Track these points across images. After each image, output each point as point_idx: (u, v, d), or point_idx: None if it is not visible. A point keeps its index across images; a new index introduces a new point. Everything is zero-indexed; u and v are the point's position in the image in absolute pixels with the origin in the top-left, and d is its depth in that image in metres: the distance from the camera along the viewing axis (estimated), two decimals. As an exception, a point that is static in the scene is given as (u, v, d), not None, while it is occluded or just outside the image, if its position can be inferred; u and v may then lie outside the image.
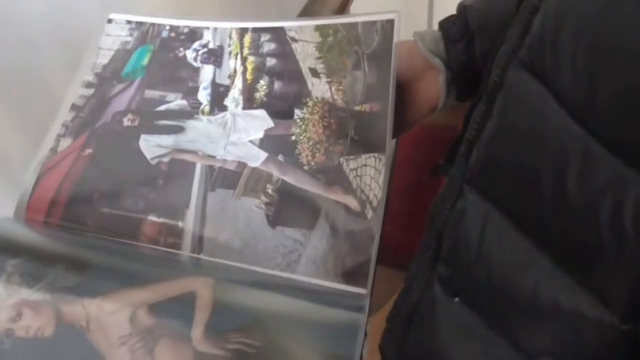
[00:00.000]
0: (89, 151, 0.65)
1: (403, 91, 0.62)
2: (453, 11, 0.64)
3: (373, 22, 0.64)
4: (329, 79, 0.64)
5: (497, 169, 0.47)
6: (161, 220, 0.60)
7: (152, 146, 0.64)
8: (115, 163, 0.64)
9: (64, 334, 0.49)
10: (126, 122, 0.67)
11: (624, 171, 0.38)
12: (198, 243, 0.59)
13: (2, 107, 0.79)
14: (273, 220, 0.59)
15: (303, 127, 0.62)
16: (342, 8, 1.22)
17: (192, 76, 0.69)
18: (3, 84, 0.80)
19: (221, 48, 0.70)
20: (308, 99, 0.64)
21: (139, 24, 0.74)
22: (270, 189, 0.60)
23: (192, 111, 0.66)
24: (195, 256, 0.58)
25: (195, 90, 0.68)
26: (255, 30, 0.70)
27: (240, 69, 0.69)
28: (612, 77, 0.38)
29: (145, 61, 0.71)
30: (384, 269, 0.64)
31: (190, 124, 0.65)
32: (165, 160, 0.63)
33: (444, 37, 0.62)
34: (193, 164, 0.63)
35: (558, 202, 0.42)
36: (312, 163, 0.60)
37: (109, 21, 0.74)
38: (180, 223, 0.60)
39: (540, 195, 0.43)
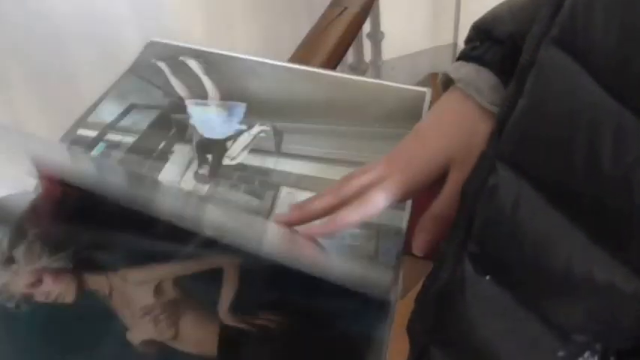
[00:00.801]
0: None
1: None
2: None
3: None
4: None
5: (529, 145, 0.46)
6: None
7: None
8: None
9: (86, 301, 0.48)
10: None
11: None
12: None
13: (32, 94, 0.80)
14: None
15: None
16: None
17: None
18: (34, 74, 0.80)
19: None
20: None
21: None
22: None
23: None
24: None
25: None
26: None
27: None
28: None
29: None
30: (408, 258, 0.63)
31: None
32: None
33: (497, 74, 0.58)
34: None
35: (592, 176, 0.42)
36: None
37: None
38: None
39: (574, 170, 0.43)
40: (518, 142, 0.47)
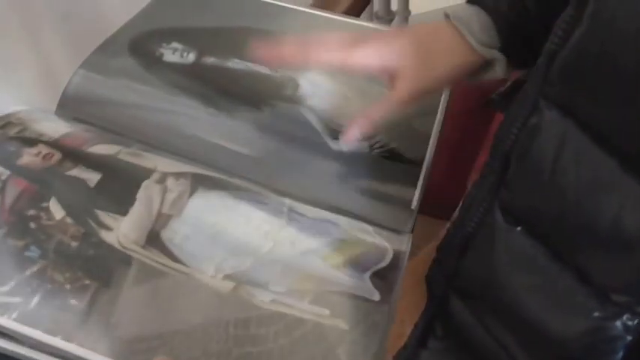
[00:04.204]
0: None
1: None
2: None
3: None
4: None
5: (584, 79, 0.41)
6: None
7: None
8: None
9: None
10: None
11: None
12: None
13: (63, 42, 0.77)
14: None
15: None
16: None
17: None
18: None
19: None
20: None
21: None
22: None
23: None
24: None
25: None
26: None
27: None
28: None
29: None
30: (420, 217, 0.60)
31: None
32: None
33: (492, 15, 0.55)
34: None
35: None
36: None
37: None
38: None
39: (635, 106, 0.37)
40: (571, 76, 0.42)
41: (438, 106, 0.70)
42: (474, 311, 0.50)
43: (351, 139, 0.59)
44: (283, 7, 0.82)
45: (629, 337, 0.42)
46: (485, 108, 0.62)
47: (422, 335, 0.55)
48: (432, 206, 0.64)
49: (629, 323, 0.41)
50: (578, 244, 0.42)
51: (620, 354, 0.42)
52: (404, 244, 0.57)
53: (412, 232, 0.59)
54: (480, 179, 0.51)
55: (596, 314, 0.42)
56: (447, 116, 0.69)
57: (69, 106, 0.67)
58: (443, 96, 0.71)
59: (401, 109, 0.57)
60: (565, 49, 0.42)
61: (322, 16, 0.82)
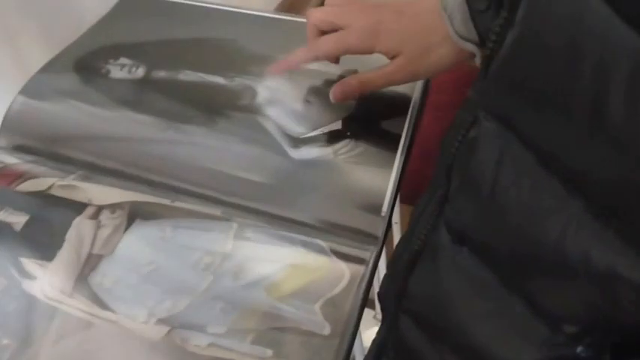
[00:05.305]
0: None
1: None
2: None
3: None
4: None
5: (518, 89, 0.36)
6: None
7: None
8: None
9: None
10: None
11: None
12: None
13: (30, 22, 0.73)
14: None
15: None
16: None
17: None
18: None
19: None
20: None
21: None
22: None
23: None
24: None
25: None
26: None
27: None
28: None
29: None
30: (405, 207, 0.57)
31: None
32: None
33: (470, 9, 0.51)
34: None
35: (596, 129, 0.31)
36: None
37: None
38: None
39: (573, 120, 0.32)
40: (505, 85, 0.37)
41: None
42: (424, 334, 0.46)
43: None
44: (246, 14, 0.78)
45: None
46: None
47: (376, 356, 0.51)
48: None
49: (583, 355, 0.36)
50: (525, 270, 0.37)
51: None
52: (369, 258, 0.52)
53: (385, 240, 0.55)
54: (427, 193, 0.46)
55: (548, 345, 0.37)
56: (430, 108, 0.66)
57: (9, 134, 0.64)
58: (414, 96, 0.66)
59: (389, 82, 0.59)
60: (499, 55, 0.37)
61: (289, 21, 0.77)
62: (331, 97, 0.62)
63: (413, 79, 0.60)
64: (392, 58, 0.57)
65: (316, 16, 0.60)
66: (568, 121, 0.33)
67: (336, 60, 0.63)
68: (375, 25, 0.56)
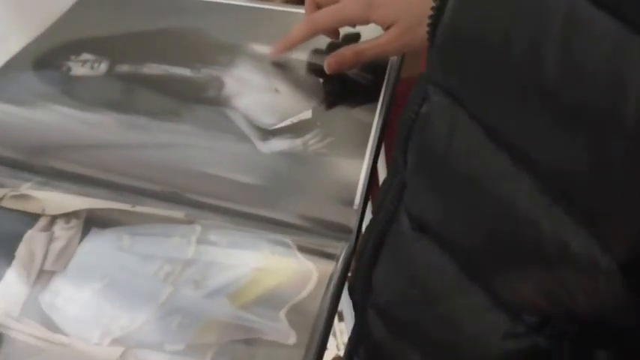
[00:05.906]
0: None
1: None
2: None
3: None
4: None
5: (459, 58, 0.33)
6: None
7: None
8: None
9: None
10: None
11: (627, 40, 0.24)
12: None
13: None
14: None
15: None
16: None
17: None
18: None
19: None
20: None
21: None
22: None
23: None
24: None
25: None
26: None
27: None
28: None
29: None
30: None
31: None
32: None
33: None
34: None
35: (535, 93, 0.28)
36: None
37: None
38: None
39: (511, 91, 0.30)
40: (448, 55, 0.34)
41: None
42: (387, 329, 0.43)
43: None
44: (214, 2, 0.75)
45: None
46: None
47: (349, 356, 0.48)
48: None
49: (544, 347, 0.33)
50: (482, 250, 0.34)
51: None
52: (339, 253, 0.48)
53: (359, 233, 0.51)
54: (387, 178, 0.42)
55: (509, 336, 0.35)
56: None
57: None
58: (385, 84, 0.63)
59: (384, 52, 0.60)
60: (440, 24, 0.33)
61: (258, 8, 0.74)
62: (326, 68, 0.61)
63: (408, 49, 0.61)
64: (387, 28, 0.58)
65: None
66: (506, 92, 0.30)
67: (335, 35, 0.64)
68: None
